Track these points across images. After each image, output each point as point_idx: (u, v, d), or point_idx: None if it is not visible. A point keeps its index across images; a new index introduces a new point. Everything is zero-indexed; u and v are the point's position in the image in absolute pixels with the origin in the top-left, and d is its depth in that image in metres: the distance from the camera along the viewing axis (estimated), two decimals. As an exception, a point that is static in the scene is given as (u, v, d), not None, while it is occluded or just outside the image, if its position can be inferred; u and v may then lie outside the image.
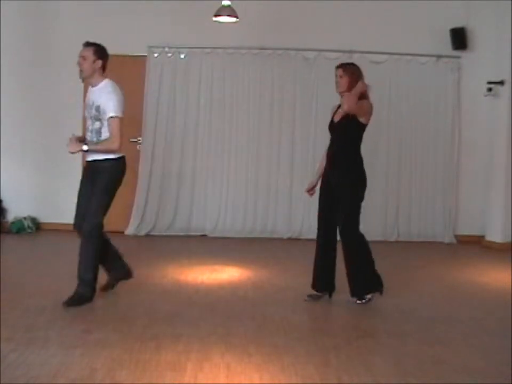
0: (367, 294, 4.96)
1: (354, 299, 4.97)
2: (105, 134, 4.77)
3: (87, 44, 4.82)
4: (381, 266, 6.63)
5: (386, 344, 4.10)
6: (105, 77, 4.82)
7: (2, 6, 7.92)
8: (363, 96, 4.82)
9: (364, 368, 3.62)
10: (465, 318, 4.80)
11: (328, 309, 4.86)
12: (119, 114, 4.72)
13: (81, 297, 4.71)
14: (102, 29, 8.08)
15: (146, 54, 8.18)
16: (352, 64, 5.11)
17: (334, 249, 5.05)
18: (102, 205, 4.78)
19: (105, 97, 4.72)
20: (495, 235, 8.08)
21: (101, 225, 4.80)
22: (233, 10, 6.79)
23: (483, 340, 4.26)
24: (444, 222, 8.44)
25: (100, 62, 4.77)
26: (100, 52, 4.80)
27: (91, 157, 4.83)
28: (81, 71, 4.81)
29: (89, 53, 4.76)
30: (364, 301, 4.95)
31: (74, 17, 8.09)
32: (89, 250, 4.74)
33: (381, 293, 5.00)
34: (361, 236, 4.96)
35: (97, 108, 4.74)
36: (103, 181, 4.77)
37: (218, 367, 3.57)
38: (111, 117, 4.70)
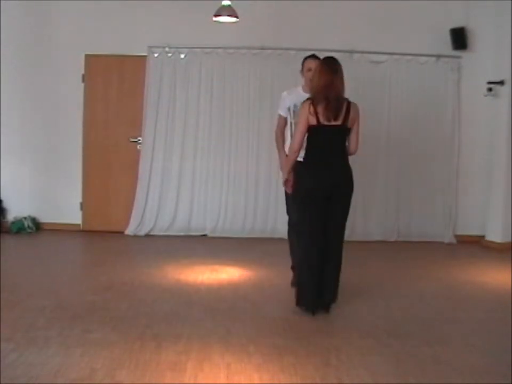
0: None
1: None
2: None
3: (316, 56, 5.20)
4: (381, 266, 6.67)
5: (386, 344, 4.10)
6: None
7: (2, 5, 7.91)
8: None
9: (364, 368, 3.63)
10: (465, 318, 4.81)
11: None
12: None
13: None
14: (102, 29, 8.11)
15: (146, 54, 8.16)
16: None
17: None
18: None
19: None
20: (495, 235, 8.07)
21: None
22: (233, 10, 6.77)
23: (483, 340, 4.26)
24: (444, 222, 8.43)
25: None
26: None
27: None
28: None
29: None
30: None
31: (75, 17, 8.09)
32: None
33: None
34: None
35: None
36: None
37: (218, 367, 3.57)
38: None
